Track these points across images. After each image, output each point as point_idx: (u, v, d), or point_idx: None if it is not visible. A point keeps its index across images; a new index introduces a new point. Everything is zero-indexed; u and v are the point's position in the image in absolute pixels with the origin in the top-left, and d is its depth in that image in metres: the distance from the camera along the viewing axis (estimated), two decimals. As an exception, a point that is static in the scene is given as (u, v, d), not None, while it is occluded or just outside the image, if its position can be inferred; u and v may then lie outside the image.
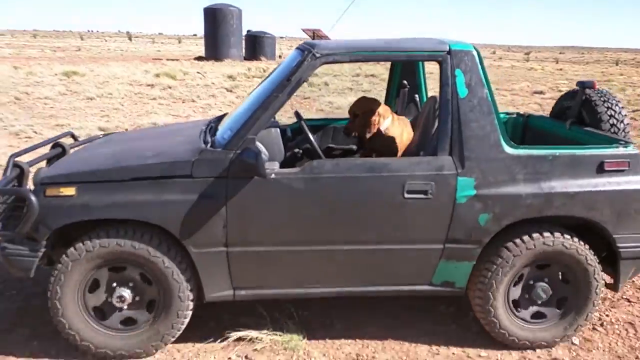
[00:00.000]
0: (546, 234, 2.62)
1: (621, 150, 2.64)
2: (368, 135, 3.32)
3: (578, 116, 3.33)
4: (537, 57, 52.42)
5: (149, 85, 13.81)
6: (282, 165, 2.73)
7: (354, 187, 2.50)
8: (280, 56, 29.32)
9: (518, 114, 3.98)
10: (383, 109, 3.29)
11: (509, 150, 2.56)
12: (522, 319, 2.77)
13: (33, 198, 2.37)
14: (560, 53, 78.77)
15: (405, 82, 3.93)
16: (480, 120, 2.56)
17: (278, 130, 2.77)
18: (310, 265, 2.62)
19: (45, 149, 3.26)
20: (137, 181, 2.43)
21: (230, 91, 13.51)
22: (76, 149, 3.26)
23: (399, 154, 3.26)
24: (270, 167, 2.54)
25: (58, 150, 3.22)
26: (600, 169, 2.60)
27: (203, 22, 25.61)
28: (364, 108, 3.28)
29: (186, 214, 2.43)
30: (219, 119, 3.28)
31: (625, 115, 3.13)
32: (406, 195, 2.51)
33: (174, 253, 2.50)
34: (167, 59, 22.68)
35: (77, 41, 46.86)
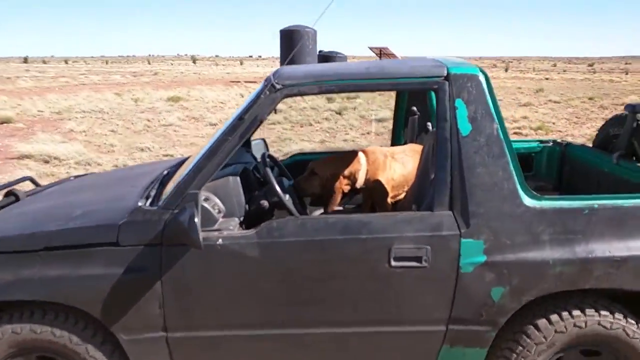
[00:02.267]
0: (582, 313, 1.97)
1: (687, 199, 1.97)
2: (331, 200, 2.79)
3: (628, 147, 2.67)
4: (602, 68, 50.00)
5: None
6: (245, 221, 2.23)
7: (325, 254, 1.95)
8: None
9: (554, 142, 3.32)
10: (353, 166, 2.78)
11: (529, 202, 1.95)
12: None
13: None
14: (626, 63, 75.08)
15: (414, 108, 3.35)
16: (489, 165, 1.96)
17: (238, 179, 2.25)
18: (274, 353, 2.06)
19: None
20: (50, 251, 1.96)
21: (339, 114, 13.02)
22: (29, 197, 2.86)
23: (389, 197, 2.70)
24: (225, 225, 2.03)
25: (10, 200, 2.84)
26: None
27: (279, 43, 25.64)
28: (328, 170, 2.78)
29: (111, 293, 1.93)
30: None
31: None
32: (393, 264, 1.93)
33: (101, 340, 2.01)
34: (245, 81, 22.41)
35: (146, 65, 48.19)
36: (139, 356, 2.02)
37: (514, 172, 1.96)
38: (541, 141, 3.34)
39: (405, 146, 3.19)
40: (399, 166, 2.87)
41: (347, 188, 2.80)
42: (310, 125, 11.64)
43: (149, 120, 11.60)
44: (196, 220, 1.80)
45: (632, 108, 2.63)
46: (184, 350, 2.03)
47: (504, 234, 1.93)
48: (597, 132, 3.12)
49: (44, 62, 65.64)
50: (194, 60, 61.01)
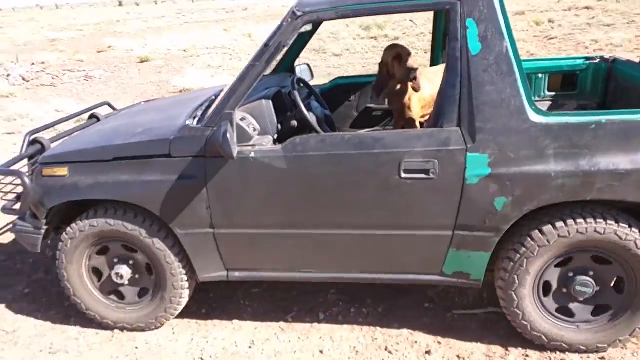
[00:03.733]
0: (583, 220, 2.10)
1: (701, 113, 1.96)
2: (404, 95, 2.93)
3: None
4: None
5: (371, 37, 13.73)
6: (279, 139, 2.50)
7: (341, 167, 2.19)
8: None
9: (602, 57, 3.22)
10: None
11: (535, 118, 2.04)
12: (549, 312, 2.30)
13: (26, 179, 2.44)
14: None
15: None
16: (498, 82, 2.05)
17: (270, 102, 2.51)
18: (302, 249, 2.40)
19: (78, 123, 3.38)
20: (118, 161, 2.38)
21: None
22: (107, 118, 3.31)
23: (416, 116, 2.84)
24: (260, 142, 2.32)
25: (93, 121, 3.32)
26: None
27: None
28: (395, 54, 2.90)
29: (167, 195, 2.33)
30: None
31: None
32: (403, 175, 2.14)
33: (164, 234, 2.45)
34: None
35: (230, 0, 47.98)
36: (192, 248, 2.45)
37: (521, 89, 2.04)
38: (587, 58, 3.24)
39: (439, 66, 3.25)
40: (428, 85, 2.97)
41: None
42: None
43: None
44: (228, 135, 2.09)
45: None
46: (227, 244, 2.42)
47: (509, 148, 2.05)
48: None
49: (137, 4, 68.02)
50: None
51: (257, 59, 2.22)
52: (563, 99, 3.31)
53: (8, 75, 11.03)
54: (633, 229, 2.09)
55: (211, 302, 2.93)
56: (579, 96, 3.28)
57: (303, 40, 3.41)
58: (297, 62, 3.53)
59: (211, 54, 13.17)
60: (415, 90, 2.96)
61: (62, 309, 2.94)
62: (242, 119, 2.35)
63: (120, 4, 65.99)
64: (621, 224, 2.09)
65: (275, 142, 2.48)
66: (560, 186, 2.04)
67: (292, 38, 2.21)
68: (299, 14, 2.18)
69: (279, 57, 3.22)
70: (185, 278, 2.54)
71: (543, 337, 2.30)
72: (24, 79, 10.90)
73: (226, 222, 2.36)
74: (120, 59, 13.30)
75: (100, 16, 37.20)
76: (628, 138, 1.99)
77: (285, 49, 2.22)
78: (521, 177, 2.06)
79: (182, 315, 2.76)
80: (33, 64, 12.71)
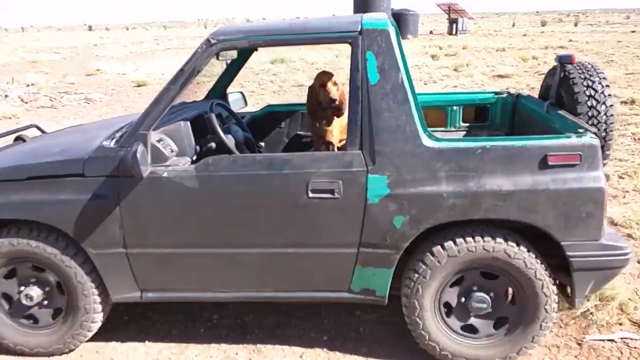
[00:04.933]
0: (472, 239, 2.27)
1: (572, 140, 2.19)
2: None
3: (557, 96, 2.85)
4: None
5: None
6: (197, 160, 2.59)
7: (252, 187, 2.30)
8: (431, 32, 30.04)
9: (509, 93, 3.50)
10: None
11: (428, 143, 2.22)
12: (454, 331, 2.44)
13: None
14: None
15: None
16: (394, 110, 2.23)
17: (188, 123, 2.61)
18: (215, 269, 2.46)
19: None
20: (31, 180, 2.39)
21: (455, 71, 13.10)
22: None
23: (335, 141, 3.01)
24: (176, 162, 2.40)
25: (18, 143, 3.30)
26: (544, 164, 2.18)
27: (352, 2, 24.81)
28: (321, 81, 3.11)
29: (79, 215, 2.35)
30: None
31: (609, 95, 2.61)
32: (310, 195, 2.27)
33: (77, 253, 2.45)
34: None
35: (203, 30, 47.63)
36: (105, 267, 2.46)
37: (415, 116, 2.23)
38: (496, 92, 3.52)
39: None
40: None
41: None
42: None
43: (272, 82, 11.92)
44: (139, 155, 2.16)
45: (559, 58, 2.78)
46: (140, 264, 2.45)
47: (406, 170, 2.22)
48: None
49: (107, 29, 67.67)
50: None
51: (172, 82, 2.32)
52: (476, 129, 3.55)
53: (6, 96, 10.75)
54: (521, 247, 2.27)
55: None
56: (490, 127, 3.54)
57: (235, 68, 3.55)
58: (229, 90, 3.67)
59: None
60: (337, 116, 3.13)
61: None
62: (159, 140, 2.42)
63: (90, 29, 65.58)
64: (510, 243, 2.27)
65: (193, 163, 2.57)
66: (452, 206, 2.21)
67: (206, 63, 2.33)
68: (213, 41, 2.31)
69: (203, 81, 3.35)
70: (99, 300, 2.54)
71: (449, 355, 2.43)
72: (22, 100, 10.64)
73: (139, 242, 2.40)
74: (114, 83, 13.20)
75: (72, 40, 36.79)
76: (510, 162, 2.19)
77: (199, 73, 2.34)
78: (417, 197, 2.22)
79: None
80: (28, 85, 12.50)
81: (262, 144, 3.64)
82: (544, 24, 39.08)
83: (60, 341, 2.58)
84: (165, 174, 2.32)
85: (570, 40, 21.06)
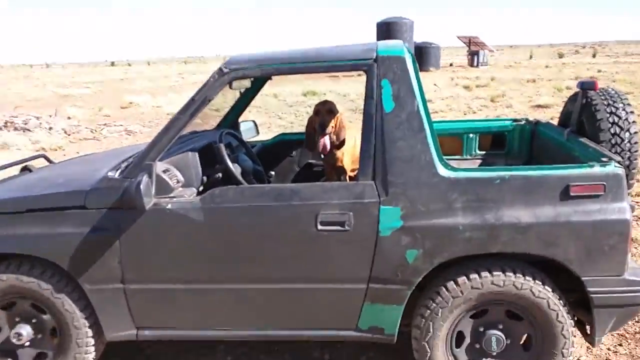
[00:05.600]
0: (489, 274, 2.15)
1: (595, 170, 2.09)
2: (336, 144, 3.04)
3: (579, 124, 2.76)
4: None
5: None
6: (204, 191, 2.53)
7: (259, 218, 2.21)
8: (451, 64, 29.94)
9: (527, 120, 3.41)
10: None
11: (444, 173, 2.13)
12: None
13: None
14: None
15: None
16: (409, 139, 2.15)
17: (196, 154, 2.55)
18: (216, 305, 2.35)
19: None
20: (31, 213, 2.32)
21: (492, 102, 12.93)
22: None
23: (347, 168, 2.94)
24: (181, 193, 2.33)
25: (25, 173, 3.28)
26: (566, 195, 2.08)
27: (376, 35, 24.73)
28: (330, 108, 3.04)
29: (77, 249, 2.27)
30: None
31: (634, 122, 2.51)
32: (319, 227, 2.18)
33: (71, 289, 2.36)
34: (343, 75, 21.71)
35: (200, 66, 48.65)
36: (100, 304, 2.35)
37: (431, 145, 2.15)
38: (514, 120, 3.43)
39: None
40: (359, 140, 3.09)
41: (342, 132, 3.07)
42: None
43: (307, 113, 11.92)
44: (142, 187, 2.09)
45: (581, 85, 2.70)
46: (138, 300, 2.34)
47: (420, 201, 2.12)
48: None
49: (129, 64, 69.47)
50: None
51: (182, 112, 2.28)
52: (493, 158, 3.46)
53: (50, 129, 10.95)
54: (546, 286, 2.16)
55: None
56: (507, 155, 3.44)
57: (247, 97, 3.53)
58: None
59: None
60: (335, 147, 3.07)
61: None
62: (166, 171, 2.35)
63: (113, 64, 67.57)
64: (526, 277, 2.15)
65: (200, 194, 2.51)
66: (468, 239, 2.10)
67: (217, 92, 2.29)
68: (225, 70, 2.27)
69: (215, 111, 3.31)
70: (92, 342, 2.43)
71: None
72: (65, 132, 10.87)
73: (138, 277, 2.30)
74: (149, 115, 13.45)
75: (98, 75, 37.70)
76: (530, 193, 2.09)
77: (209, 102, 2.29)
78: (431, 229, 2.12)
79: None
80: (69, 117, 12.75)
81: (273, 173, 3.58)
82: (561, 55, 39.06)
83: None
84: (169, 206, 2.25)
85: (600, 71, 20.86)
